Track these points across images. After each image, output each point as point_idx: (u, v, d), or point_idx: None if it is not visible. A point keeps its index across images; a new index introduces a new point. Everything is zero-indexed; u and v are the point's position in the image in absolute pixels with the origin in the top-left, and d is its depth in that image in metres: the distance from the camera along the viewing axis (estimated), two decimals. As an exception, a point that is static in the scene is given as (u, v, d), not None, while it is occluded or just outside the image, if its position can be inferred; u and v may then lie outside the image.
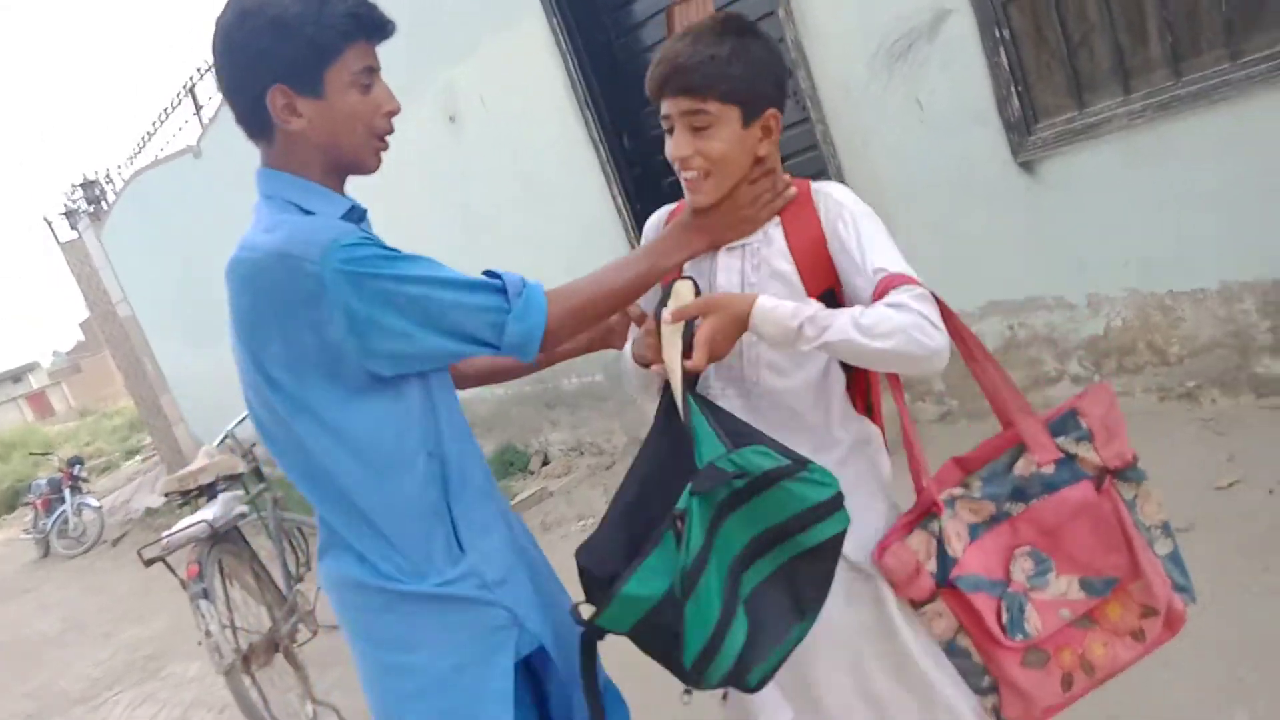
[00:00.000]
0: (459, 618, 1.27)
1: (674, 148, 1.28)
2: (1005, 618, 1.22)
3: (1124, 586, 1.25)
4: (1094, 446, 1.26)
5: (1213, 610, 2.14)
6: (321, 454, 1.22)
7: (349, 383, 1.19)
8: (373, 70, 1.23)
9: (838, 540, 1.17)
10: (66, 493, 9.81)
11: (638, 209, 4.34)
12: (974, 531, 1.28)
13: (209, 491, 3.41)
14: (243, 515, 3.40)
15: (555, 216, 4.57)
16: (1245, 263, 2.79)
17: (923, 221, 3.39)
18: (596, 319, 1.33)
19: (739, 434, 1.19)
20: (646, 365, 1.35)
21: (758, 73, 1.25)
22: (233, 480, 3.55)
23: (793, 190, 1.34)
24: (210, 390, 7.93)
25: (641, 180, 4.37)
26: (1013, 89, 3.02)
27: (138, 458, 15.00)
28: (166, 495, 3.43)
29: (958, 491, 1.29)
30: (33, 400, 40.11)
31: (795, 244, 1.32)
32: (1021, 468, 1.26)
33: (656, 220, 1.51)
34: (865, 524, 1.32)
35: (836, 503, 1.15)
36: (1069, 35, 2.91)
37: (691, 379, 1.26)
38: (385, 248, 1.18)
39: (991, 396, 1.31)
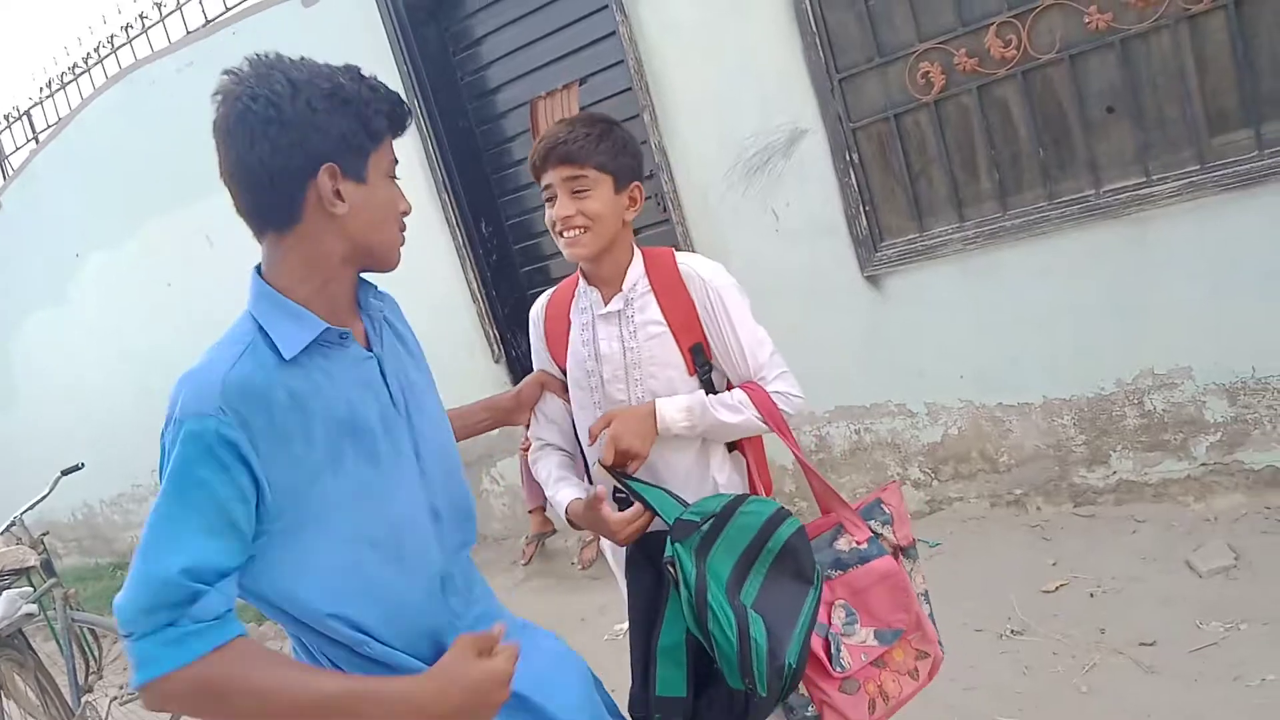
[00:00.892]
0: None
1: (558, 210, 1.53)
2: (831, 652, 1.51)
3: (906, 636, 1.58)
4: (893, 529, 1.61)
5: (1045, 711, 2.24)
6: None
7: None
8: (396, 163, 1.21)
9: (799, 534, 1.46)
10: None
11: (492, 294, 4.26)
12: None
13: (-9, 587, 2.93)
14: (30, 615, 2.95)
15: (403, 297, 4.34)
16: (1064, 381, 3.04)
17: (775, 326, 3.37)
18: (237, 706, 1.05)
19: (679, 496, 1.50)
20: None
21: (622, 152, 1.55)
22: (19, 575, 3.08)
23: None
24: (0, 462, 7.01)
25: (498, 267, 4.30)
26: (861, 208, 3.21)
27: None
28: None
29: None
30: None
31: (666, 307, 1.57)
32: (843, 544, 1.59)
33: (538, 312, 1.71)
34: None
35: (782, 514, 1.46)
36: (910, 164, 3.14)
37: (622, 473, 1.52)
38: (219, 463, 1.04)
39: (817, 493, 1.64)
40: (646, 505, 1.47)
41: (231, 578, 1.07)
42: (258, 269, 1.18)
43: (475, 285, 4.22)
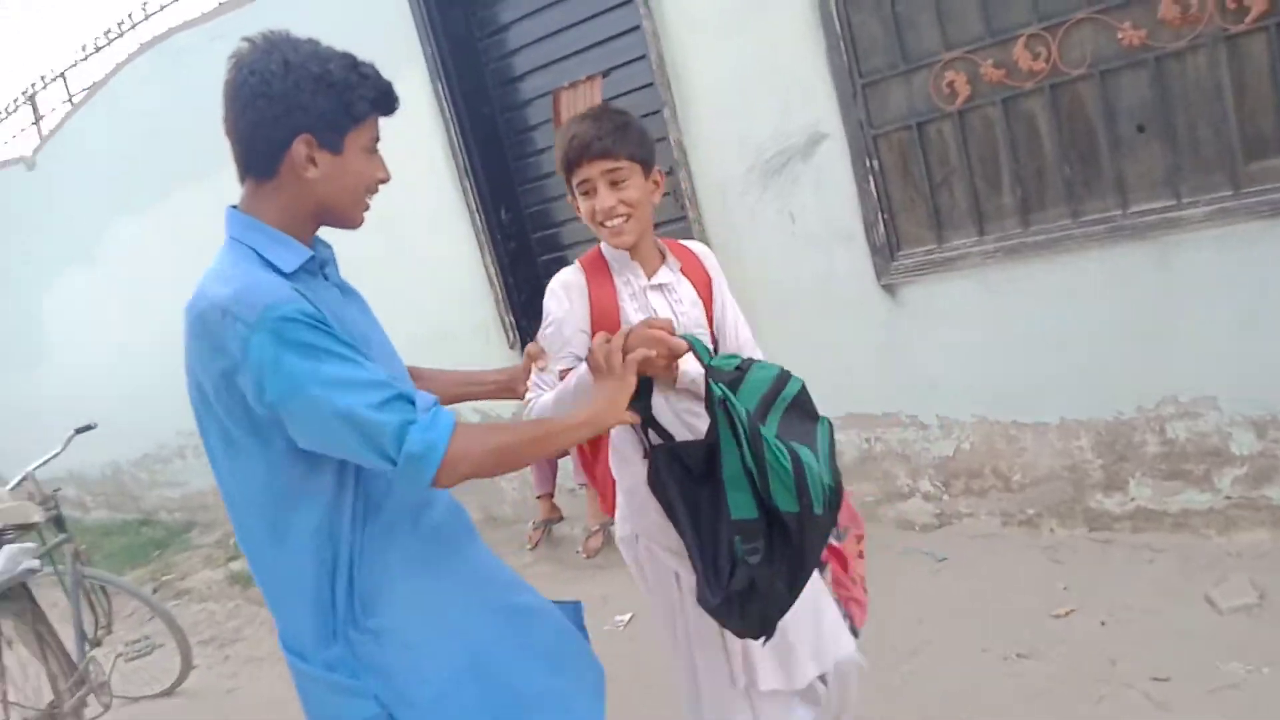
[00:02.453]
0: (334, 700, 1.35)
1: (600, 202, 1.64)
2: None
3: (853, 533, 1.89)
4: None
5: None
6: (243, 502, 1.34)
7: (271, 440, 1.26)
8: (377, 140, 1.38)
9: (804, 390, 1.63)
10: None
11: (509, 282, 4.26)
12: None
13: (-6, 541, 3.01)
14: (31, 570, 3.02)
15: (422, 280, 4.42)
16: (1082, 402, 2.98)
17: (788, 329, 3.46)
18: (514, 466, 1.43)
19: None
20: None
21: (644, 139, 1.67)
22: (25, 530, 3.16)
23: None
24: (20, 420, 7.18)
25: (516, 253, 4.30)
26: (879, 216, 3.15)
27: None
28: None
29: None
30: None
31: (695, 282, 1.78)
32: None
33: (578, 280, 1.73)
34: None
35: (787, 374, 1.63)
36: (932, 174, 3.07)
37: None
38: (318, 326, 1.22)
39: None
40: (692, 346, 1.55)
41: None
42: (233, 208, 1.35)
43: (494, 272, 4.22)
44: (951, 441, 3.27)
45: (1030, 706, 2.35)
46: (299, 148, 1.29)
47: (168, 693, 3.73)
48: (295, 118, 1.28)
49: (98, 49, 5.52)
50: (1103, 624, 2.60)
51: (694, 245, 1.85)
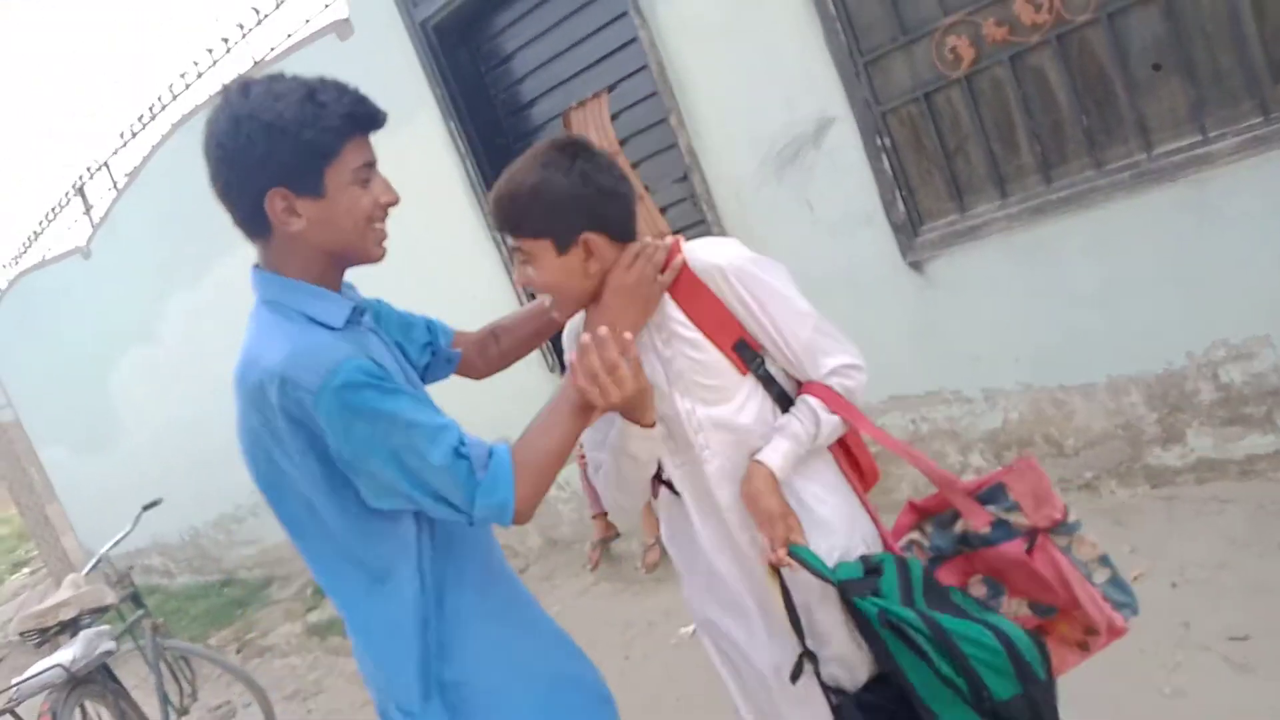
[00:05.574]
0: None
1: (517, 277, 1.39)
2: None
3: (1067, 611, 1.42)
4: (1023, 513, 1.41)
5: (1126, 715, 2.11)
6: (334, 556, 1.26)
7: (346, 497, 1.19)
8: (371, 165, 1.23)
9: (928, 569, 1.41)
10: (-61, 615, 9.03)
11: (542, 308, 4.29)
12: (934, 563, 1.50)
13: (72, 627, 3.13)
14: (109, 652, 3.13)
15: (458, 318, 4.45)
16: (1128, 358, 2.88)
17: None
18: (555, 474, 1.30)
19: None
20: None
21: (561, 206, 1.30)
22: (101, 612, 3.27)
23: (679, 258, 1.37)
24: (101, 497, 7.48)
25: (545, 279, 4.33)
26: (897, 193, 3.10)
27: (25, 570, 13.95)
28: (22, 634, 3.13)
29: (915, 536, 1.49)
30: (-86, 505, 37.27)
31: (692, 312, 1.37)
32: (962, 526, 1.45)
33: (566, 340, 1.54)
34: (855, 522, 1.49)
35: (909, 559, 1.40)
36: (945, 144, 3.01)
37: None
38: (381, 381, 1.16)
39: (926, 475, 1.47)
40: (812, 570, 1.34)
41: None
42: (257, 267, 1.26)
43: (524, 302, 4.26)
44: (998, 413, 3.18)
45: (1100, 679, 2.23)
46: (274, 204, 1.18)
47: (256, 751, 3.81)
48: (256, 176, 1.17)
49: (134, 135, 5.77)
50: (1173, 585, 2.49)
51: (702, 255, 1.40)
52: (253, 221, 1.21)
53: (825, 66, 3.08)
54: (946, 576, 1.46)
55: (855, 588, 1.31)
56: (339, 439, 1.14)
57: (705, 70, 3.36)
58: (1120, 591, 1.46)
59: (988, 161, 2.96)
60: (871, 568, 1.35)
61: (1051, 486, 1.44)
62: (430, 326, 1.58)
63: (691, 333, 1.37)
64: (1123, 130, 2.73)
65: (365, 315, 1.32)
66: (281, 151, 1.15)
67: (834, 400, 1.40)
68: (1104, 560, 1.46)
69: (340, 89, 1.20)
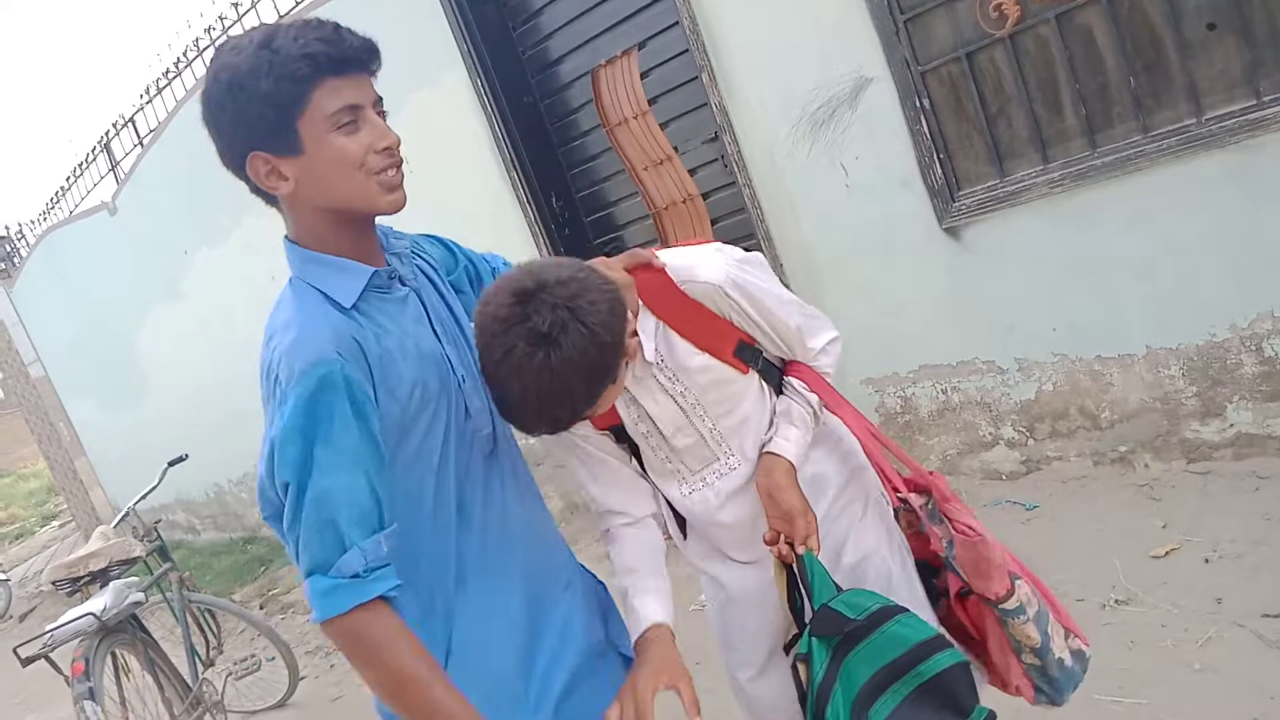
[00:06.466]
0: None
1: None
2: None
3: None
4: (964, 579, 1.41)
5: (1153, 689, 2.09)
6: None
7: (395, 454, 1.17)
8: (355, 107, 1.11)
9: (961, 669, 1.26)
10: (-30, 565, 9.24)
11: (568, 270, 4.25)
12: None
13: (102, 578, 3.17)
14: (138, 603, 3.17)
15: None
16: (1169, 329, 2.81)
17: (851, 284, 3.36)
18: (381, 673, 1.11)
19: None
20: None
21: (567, 399, 1.14)
22: (130, 564, 3.31)
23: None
24: (128, 453, 7.58)
25: (570, 240, 4.29)
26: (935, 156, 3.02)
27: (54, 523, 14.24)
28: (54, 583, 3.18)
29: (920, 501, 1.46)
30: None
31: (690, 335, 1.34)
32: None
33: None
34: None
35: (944, 642, 1.27)
36: (987, 106, 2.92)
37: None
38: (344, 406, 1.08)
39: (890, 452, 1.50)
40: (804, 579, 1.31)
41: (379, 535, 1.10)
42: (287, 237, 1.21)
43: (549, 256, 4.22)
44: (1032, 384, 3.12)
45: (1132, 654, 2.22)
46: (256, 169, 1.11)
47: (280, 705, 3.86)
48: (236, 143, 1.11)
49: (159, 90, 5.75)
50: (1206, 561, 2.45)
51: (687, 273, 1.31)
52: (255, 190, 1.16)
53: (863, 24, 2.99)
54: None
55: (828, 624, 1.26)
56: (282, 440, 1.10)
57: (738, 27, 3.28)
58: (1044, 681, 1.44)
59: (1030, 124, 2.87)
60: (877, 614, 1.28)
61: (998, 564, 1.36)
62: (495, 273, 1.51)
63: (699, 358, 1.35)
64: (1172, 93, 2.64)
65: (396, 279, 1.22)
66: (247, 111, 1.07)
67: (815, 381, 1.44)
68: (1037, 652, 1.40)
69: (302, 28, 1.08)
